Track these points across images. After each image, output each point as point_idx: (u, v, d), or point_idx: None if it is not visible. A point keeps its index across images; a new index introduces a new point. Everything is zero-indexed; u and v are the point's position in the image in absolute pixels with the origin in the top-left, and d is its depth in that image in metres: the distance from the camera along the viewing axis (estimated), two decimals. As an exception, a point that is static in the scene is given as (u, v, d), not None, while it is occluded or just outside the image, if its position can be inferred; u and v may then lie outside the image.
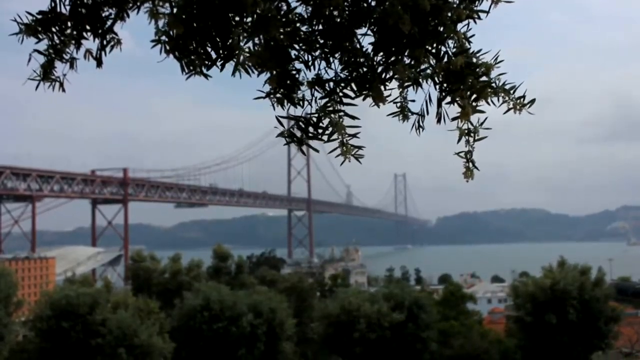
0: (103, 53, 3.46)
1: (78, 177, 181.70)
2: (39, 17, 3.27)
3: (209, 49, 3.25)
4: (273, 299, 48.19)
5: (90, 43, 3.44)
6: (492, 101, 3.21)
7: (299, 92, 3.28)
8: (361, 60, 3.29)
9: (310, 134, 3.21)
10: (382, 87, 3.28)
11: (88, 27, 3.35)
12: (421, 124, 3.40)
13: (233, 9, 3.11)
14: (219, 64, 3.30)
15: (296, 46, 3.28)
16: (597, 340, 49.16)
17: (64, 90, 3.44)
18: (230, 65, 3.30)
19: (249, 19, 3.18)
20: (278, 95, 3.27)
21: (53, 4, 3.29)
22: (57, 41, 3.34)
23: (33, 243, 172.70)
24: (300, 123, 3.21)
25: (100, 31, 3.39)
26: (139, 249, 78.04)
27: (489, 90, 3.17)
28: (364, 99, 3.29)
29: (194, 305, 46.41)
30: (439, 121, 3.30)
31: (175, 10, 3.21)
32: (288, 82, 3.28)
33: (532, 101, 3.19)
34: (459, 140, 3.28)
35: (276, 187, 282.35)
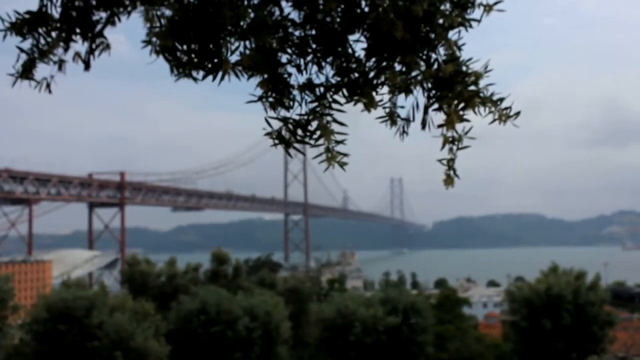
0: (91, 57, 3.47)
1: (75, 180, 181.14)
2: (27, 16, 3.28)
3: (201, 59, 3.27)
4: (269, 302, 48.10)
5: (80, 46, 3.45)
6: (478, 111, 3.22)
7: (290, 95, 3.29)
8: (353, 65, 3.30)
9: (298, 137, 3.22)
10: (374, 93, 3.30)
11: (78, 30, 3.36)
12: (406, 129, 3.41)
13: (218, 20, 3.13)
14: (206, 72, 3.32)
15: (288, 50, 3.29)
16: (592, 344, 49.16)
17: (50, 91, 3.45)
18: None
19: (238, 28, 3.20)
20: (270, 99, 3.28)
21: (42, 5, 3.31)
22: (43, 42, 3.35)
23: (30, 246, 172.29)
24: (289, 125, 3.22)
25: (90, 35, 3.40)
26: (134, 253, 77.76)
27: (477, 99, 3.18)
28: (355, 104, 3.30)
29: (190, 309, 46.34)
30: (423, 127, 3.31)
31: (164, 22, 3.22)
32: (280, 86, 3.29)
33: (518, 113, 3.20)
34: (442, 148, 3.29)
35: (273, 191, 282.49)
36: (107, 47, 3.50)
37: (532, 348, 49.05)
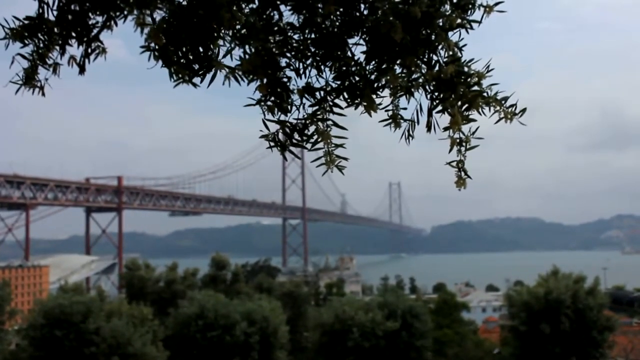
0: (87, 61, 3.45)
1: (72, 185, 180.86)
2: (26, 22, 3.26)
3: (191, 60, 3.26)
4: (266, 307, 48.02)
5: (75, 50, 3.43)
6: (482, 111, 3.20)
7: (289, 99, 3.27)
8: (353, 69, 3.28)
9: (294, 140, 3.21)
10: (374, 96, 3.28)
11: (73, 34, 3.34)
12: (411, 132, 3.39)
13: (212, 22, 3.12)
14: (199, 74, 3.31)
15: (288, 54, 3.28)
16: (591, 349, 49.09)
17: (43, 94, 3.43)
18: (219, 75, 3.30)
19: (231, 31, 3.19)
20: (269, 102, 3.26)
21: (40, 10, 3.28)
22: (42, 47, 3.33)
23: (27, 251, 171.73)
24: (286, 129, 3.21)
25: (85, 39, 3.37)
26: (134, 258, 77.63)
27: (480, 99, 3.17)
28: (355, 108, 3.29)
29: (188, 314, 46.25)
30: (429, 130, 3.30)
31: (156, 22, 3.20)
32: (279, 89, 3.28)
33: (523, 111, 3.19)
34: (450, 150, 3.28)
35: (271, 196, 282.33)
36: (103, 51, 3.48)
37: (531, 353, 48.95)
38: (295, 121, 3.23)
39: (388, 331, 46.86)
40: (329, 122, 3.19)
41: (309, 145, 3.20)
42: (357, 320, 46.98)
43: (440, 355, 52.11)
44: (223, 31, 3.20)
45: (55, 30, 3.31)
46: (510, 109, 3.19)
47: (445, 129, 3.25)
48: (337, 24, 3.28)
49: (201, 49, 3.22)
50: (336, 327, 47.37)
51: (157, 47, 3.19)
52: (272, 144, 3.21)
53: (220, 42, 3.25)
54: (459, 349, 52.83)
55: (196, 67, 3.25)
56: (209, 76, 3.31)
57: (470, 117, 3.22)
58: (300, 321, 57.21)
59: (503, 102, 3.19)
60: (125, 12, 3.34)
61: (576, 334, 48.22)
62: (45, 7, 3.29)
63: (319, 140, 3.16)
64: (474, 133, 3.25)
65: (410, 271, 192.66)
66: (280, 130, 3.21)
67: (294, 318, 55.73)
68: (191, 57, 3.23)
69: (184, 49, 3.21)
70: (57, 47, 3.35)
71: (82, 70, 3.46)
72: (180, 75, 3.26)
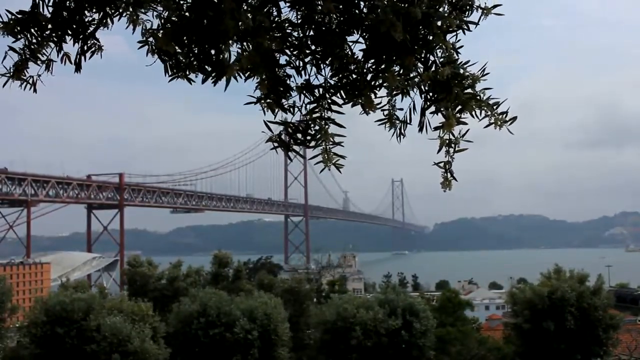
0: (83, 58, 3.42)
1: (74, 182, 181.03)
2: (19, 16, 3.24)
3: (203, 62, 3.25)
4: (268, 304, 47.94)
5: (71, 47, 3.41)
6: (475, 114, 3.21)
7: (289, 98, 3.27)
8: (351, 67, 3.26)
9: (298, 140, 3.21)
10: (372, 95, 3.25)
11: (69, 31, 3.31)
12: (403, 131, 3.39)
13: (218, 29, 3.10)
14: (206, 77, 3.30)
15: (287, 52, 3.26)
16: (595, 347, 49.03)
17: (35, 90, 3.43)
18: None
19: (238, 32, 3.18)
20: (268, 100, 3.25)
21: (34, 5, 3.25)
22: (35, 42, 3.31)
23: (28, 248, 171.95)
24: (289, 129, 3.20)
25: (81, 36, 3.34)
26: (136, 255, 77.64)
27: (474, 102, 3.17)
28: (352, 106, 3.27)
29: (190, 311, 46.26)
30: (420, 130, 3.30)
31: (166, 27, 3.18)
32: (279, 87, 3.26)
33: (514, 119, 3.19)
34: (439, 150, 3.29)
35: (273, 193, 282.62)
36: (99, 48, 3.46)
37: (534, 350, 48.91)
38: (297, 122, 3.23)
39: (390, 329, 46.80)
40: (328, 120, 3.19)
41: (312, 144, 3.22)
42: (360, 318, 46.92)
43: (443, 353, 52.02)
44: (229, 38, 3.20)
45: (49, 25, 3.29)
46: (501, 116, 3.20)
47: (436, 128, 3.25)
48: (337, 21, 3.25)
49: (213, 52, 3.20)
50: (338, 325, 47.30)
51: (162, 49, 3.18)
52: (275, 144, 3.22)
53: (229, 43, 3.25)
54: (461, 347, 52.75)
55: (208, 69, 3.24)
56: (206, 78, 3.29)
57: (463, 119, 3.22)
58: (302, 319, 57.18)
59: (495, 107, 3.20)
60: (121, 10, 3.32)
61: (580, 332, 48.14)
62: (40, 2, 3.27)
63: (321, 139, 3.17)
64: (463, 135, 3.26)
65: (412, 269, 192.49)
66: (284, 131, 3.22)
67: (296, 315, 55.67)
68: (202, 60, 3.22)
69: (193, 52, 3.20)
70: (52, 44, 3.35)
71: (78, 67, 3.44)
72: (175, 70, 3.24)
